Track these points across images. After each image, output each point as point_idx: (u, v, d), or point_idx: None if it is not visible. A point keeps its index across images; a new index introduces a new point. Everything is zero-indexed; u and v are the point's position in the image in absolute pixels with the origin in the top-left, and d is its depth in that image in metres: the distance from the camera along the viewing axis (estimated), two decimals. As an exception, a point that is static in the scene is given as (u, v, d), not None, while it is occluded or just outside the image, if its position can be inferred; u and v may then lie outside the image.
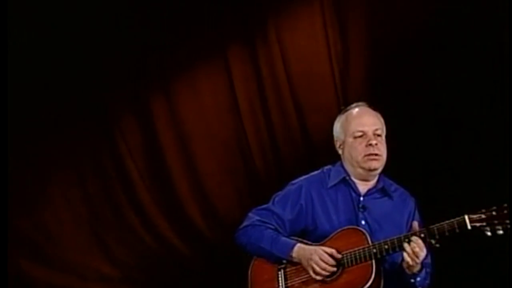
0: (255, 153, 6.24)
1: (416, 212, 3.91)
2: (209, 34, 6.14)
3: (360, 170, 3.85)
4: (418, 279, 3.68)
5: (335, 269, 3.68)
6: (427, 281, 3.75)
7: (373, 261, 3.63)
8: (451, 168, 5.47)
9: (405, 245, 3.58)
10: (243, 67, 6.22)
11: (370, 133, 3.84)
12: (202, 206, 6.33)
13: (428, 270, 3.74)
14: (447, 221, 3.54)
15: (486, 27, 5.29)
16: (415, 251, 3.55)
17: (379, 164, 3.84)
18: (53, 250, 6.23)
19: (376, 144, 3.81)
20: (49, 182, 6.28)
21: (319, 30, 6.04)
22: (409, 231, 3.66)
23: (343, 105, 5.70)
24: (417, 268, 3.64)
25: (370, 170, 3.84)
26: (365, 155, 3.81)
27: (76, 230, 6.29)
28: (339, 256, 3.68)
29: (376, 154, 3.80)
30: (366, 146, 3.81)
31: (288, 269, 3.84)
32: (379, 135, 3.86)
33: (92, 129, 6.32)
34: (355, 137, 3.84)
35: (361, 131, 3.84)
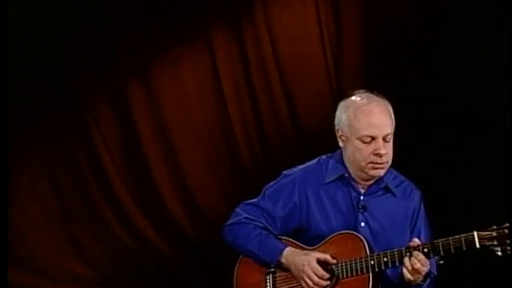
0: (241, 143, 6.18)
1: (422, 207, 3.72)
2: (191, 14, 6.07)
3: (362, 174, 3.67)
4: None
5: (328, 282, 3.55)
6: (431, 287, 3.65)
7: (370, 274, 3.50)
8: (450, 163, 5.43)
9: (405, 260, 3.44)
10: (228, 49, 6.15)
11: (379, 139, 3.59)
12: (184, 201, 6.26)
13: (432, 275, 3.59)
14: (453, 237, 3.39)
15: (486, 12, 5.23)
16: (416, 267, 3.42)
17: (384, 171, 3.65)
18: (21, 249, 6.05)
19: (385, 153, 3.61)
20: (15, 173, 6.06)
21: (310, 9, 5.96)
22: (410, 241, 3.52)
23: (336, 92, 5.52)
24: (421, 279, 3.50)
25: (374, 176, 3.67)
26: (370, 162, 3.61)
27: (46, 227, 6.18)
28: (334, 261, 3.57)
29: (382, 163, 3.62)
30: (374, 154, 3.60)
31: (277, 274, 3.66)
32: (388, 141, 3.65)
33: (63, 115, 6.21)
34: (363, 141, 3.61)
35: (370, 137, 3.60)
